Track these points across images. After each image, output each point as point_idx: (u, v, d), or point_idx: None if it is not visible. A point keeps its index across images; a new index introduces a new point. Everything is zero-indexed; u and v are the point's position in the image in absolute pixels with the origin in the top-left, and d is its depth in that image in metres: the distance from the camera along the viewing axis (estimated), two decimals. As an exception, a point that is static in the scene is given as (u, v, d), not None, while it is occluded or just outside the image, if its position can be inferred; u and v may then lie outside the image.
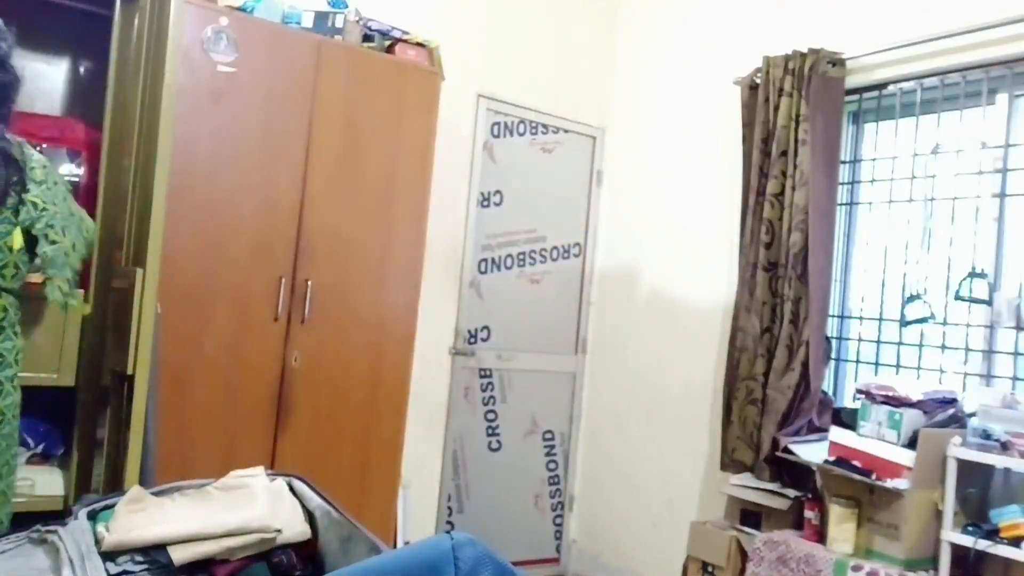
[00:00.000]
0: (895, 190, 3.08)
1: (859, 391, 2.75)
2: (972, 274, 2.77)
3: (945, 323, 2.86)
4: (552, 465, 4.13)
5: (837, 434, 2.70)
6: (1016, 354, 2.68)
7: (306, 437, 2.83)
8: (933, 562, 2.44)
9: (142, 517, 1.24)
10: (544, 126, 4.08)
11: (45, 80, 2.86)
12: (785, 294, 3.06)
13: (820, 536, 2.68)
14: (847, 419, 2.82)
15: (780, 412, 3.00)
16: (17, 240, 1.96)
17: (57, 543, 1.17)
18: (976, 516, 2.45)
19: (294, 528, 1.34)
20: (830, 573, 2.53)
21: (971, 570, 2.44)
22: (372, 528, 1.33)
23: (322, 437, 2.87)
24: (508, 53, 3.93)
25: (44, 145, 2.50)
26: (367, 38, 3.09)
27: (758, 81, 3.29)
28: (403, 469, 3.12)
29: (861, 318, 3.16)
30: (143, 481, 2.15)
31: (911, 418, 2.53)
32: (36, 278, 2.36)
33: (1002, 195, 2.78)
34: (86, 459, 2.40)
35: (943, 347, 2.87)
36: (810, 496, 2.76)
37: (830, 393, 3.15)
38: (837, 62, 3.09)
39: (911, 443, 2.49)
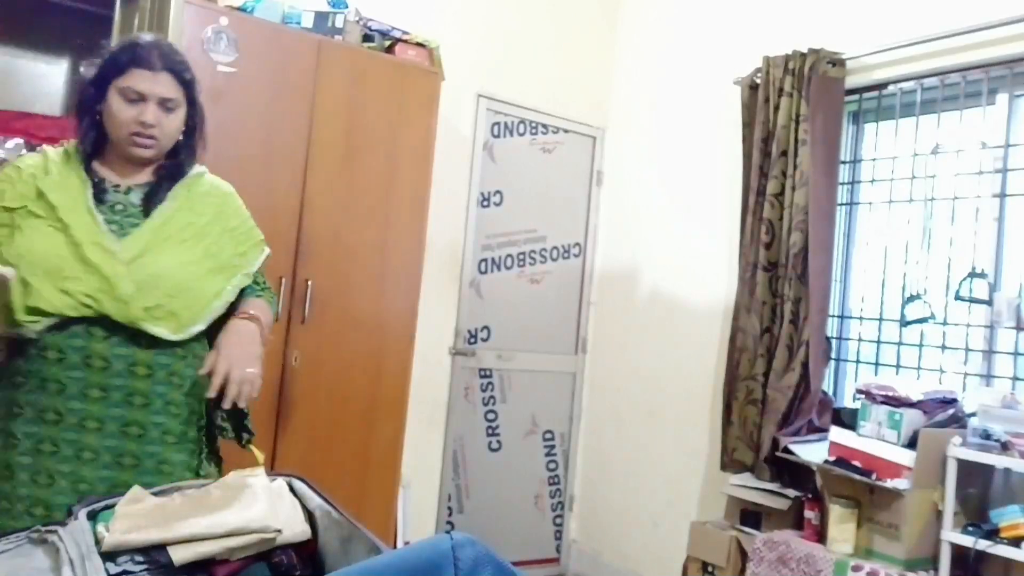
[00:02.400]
0: (895, 190, 3.08)
1: (859, 391, 2.75)
2: (972, 274, 2.77)
3: (945, 323, 2.86)
4: (552, 465, 4.13)
5: (837, 434, 2.70)
6: (1016, 354, 2.68)
7: (306, 437, 2.83)
8: (933, 562, 2.44)
9: (142, 517, 1.24)
10: (544, 126, 4.08)
11: (45, 80, 2.87)
12: (785, 294, 3.06)
13: (820, 536, 2.68)
14: (847, 419, 2.82)
15: (780, 412, 3.00)
16: None
17: (57, 543, 1.17)
18: (976, 516, 2.46)
19: (294, 528, 1.33)
20: (830, 573, 2.53)
21: (971, 570, 2.44)
22: (372, 528, 1.33)
23: (322, 437, 2.87)
24: (508, 53, 3.93)
25: (44, 145, 2.50)
26: (367, 38, 3.09)
27: (758, 81, 3.29)
28: (403, 469, 3.12)
29: (861, 318, 3.16)
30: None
31: (911, 418, 2.53)
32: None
33: (1002, 195, 2.78)
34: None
35: (943, 347, 2.87)
36: (810, 496, 2.76)
37: (830, 393, 3.15)
38: (837, 62, 3.09)
39: (911, 443, 2.49)
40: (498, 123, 3.93)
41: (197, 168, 1.74)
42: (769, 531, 2.84)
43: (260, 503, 1.32)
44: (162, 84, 1.59)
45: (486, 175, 3.88)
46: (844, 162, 3.20)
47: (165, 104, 1.60)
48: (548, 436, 4.11)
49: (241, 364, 1.58)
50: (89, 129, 1.62)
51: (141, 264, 1.56)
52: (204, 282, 1.64)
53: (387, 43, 3.14)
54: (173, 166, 1.68)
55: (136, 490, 1.30)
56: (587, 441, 4.18)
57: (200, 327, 1.64)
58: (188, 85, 1.64)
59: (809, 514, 2.72)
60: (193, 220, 1.66)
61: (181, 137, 1.68)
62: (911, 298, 2.94)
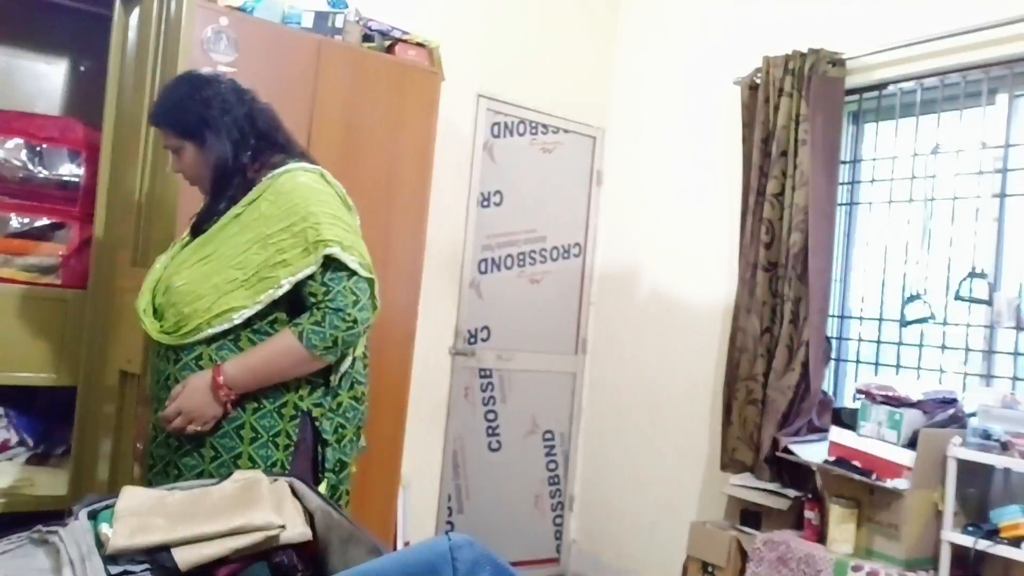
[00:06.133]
0: (895, 190, 3.08)
1: (859, 391, 2.75)
2: (972, 274, 2.77)
3: (945, 323, 2.86)
4: (552, 465, 4.13)
5: (837, 434, 2.70)
6: (1016, 354, 2.68)
7: (306, 437, 2.83)
8: (933, 562, 2.44)
9: (144, 517, 1.24)
10: (544, 126, 4.08)
11: (45, 80, 2.87)
12: (785, 294, 3.06)
13: (820, 536, 2.68)
14: (847, 419, 2.82)
15: (780, 412, 3.00)
16: None
17: (58, 544, 1.17)
18: (976, 516, 2.46)
19: (295, 528, 1.33)
20: (830, 573, 2.53)
21: (971, 570, 2.44)
22: (372, 528, 1.33)
23: (322, 437, 2.86)
24: (508, 53, 3.93)
25: (44, 145, 2.51)
26: (367, 38, 3.09)
27: (758, 81, 3.29)
28: (403, 469, 3.12)
29: (861, 318, 3.16)
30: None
31: (911, 418, 2.53)
32: (27, 277, 2.37)
33: (1002, 195, 2.78)
34: (86, 459, 2.40)
35: (943, 347, 2.86)
36: (810, 496, 2.76)
37: (830, 393, 3.15)
38: (837, 62, 3.09)
39: (911, 443, 2.49)
40: (498, 123, 3.93)
41: (272, 173, 1.81)
42: (769, 531, 2.84)
43: (263, 501, 1.32)
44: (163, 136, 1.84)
45: (486, 175, 3.88)
46: (844, 162, 3.20)
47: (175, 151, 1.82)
48: (548, 436, 4.11)
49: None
50: None
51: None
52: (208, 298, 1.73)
53: (387, 43, 3.13)
54: (214, 191, 1.84)
55: (130, 489, 1.30)
56: (587, 441, 4.18)
57: (194, 337, 1.72)
58: (178, 128, 1.79)
59: (809, 514, 2.72)
60: (219, 237, 1.79)
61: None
62: (911, 298, 2.94)
